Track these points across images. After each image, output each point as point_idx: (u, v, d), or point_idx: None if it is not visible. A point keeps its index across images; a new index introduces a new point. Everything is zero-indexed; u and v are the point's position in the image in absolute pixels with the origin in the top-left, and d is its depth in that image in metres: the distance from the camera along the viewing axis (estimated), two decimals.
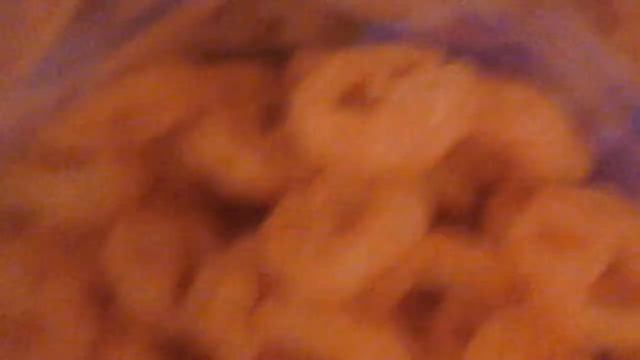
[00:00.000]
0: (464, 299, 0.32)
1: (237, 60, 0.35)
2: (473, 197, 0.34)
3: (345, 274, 0.29)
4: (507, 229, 0.30)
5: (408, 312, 0.32)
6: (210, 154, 0.33)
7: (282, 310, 0.31)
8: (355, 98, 0.30)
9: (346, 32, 0.34)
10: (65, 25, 0.30)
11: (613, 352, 0.31)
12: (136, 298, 0.33)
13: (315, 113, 0.30)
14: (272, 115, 0.34)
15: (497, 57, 0.32)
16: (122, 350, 0.33)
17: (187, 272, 0.33)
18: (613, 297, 0.30)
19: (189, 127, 0.33)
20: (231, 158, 0.33)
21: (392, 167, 0.29)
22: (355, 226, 0.30)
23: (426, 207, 0.30)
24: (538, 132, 0.31)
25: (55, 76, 0.31)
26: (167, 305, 0.33)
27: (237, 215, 0.35)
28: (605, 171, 0.32)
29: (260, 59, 0.35)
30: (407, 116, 0.29)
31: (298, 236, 0.31)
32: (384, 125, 0.29)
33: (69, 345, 0.32)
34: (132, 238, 0.34)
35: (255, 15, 0.36)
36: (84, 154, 0.33)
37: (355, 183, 0.31)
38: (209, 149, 0.33)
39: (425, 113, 0.29)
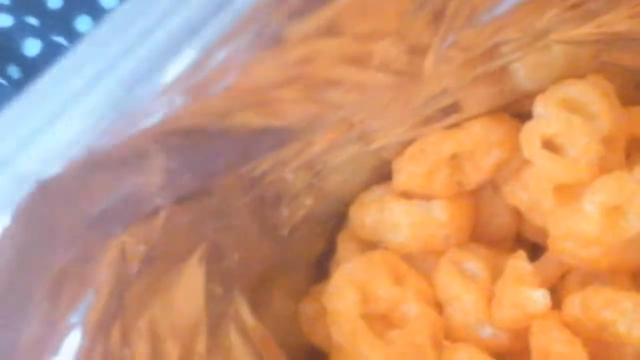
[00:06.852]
0: None
1: None
2: None
3: None
4: None
5: None
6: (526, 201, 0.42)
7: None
8: None
9: None
10: None
11: None
12: (457, 309, 0.42)
13: None
14: None
15: None
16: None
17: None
18: None
19: (509, 173, 0.43)
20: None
21: None
22: None
23: None
24: None
25: None
26: (480, 317, 0.41)
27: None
28: None
29: None
30: None
31: None
32: None
33: (421, 335, 0.41)
34: (458, 261, 0.43)
35: None
36: (427, 190, 0.43)
37: None
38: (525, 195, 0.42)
39: None
